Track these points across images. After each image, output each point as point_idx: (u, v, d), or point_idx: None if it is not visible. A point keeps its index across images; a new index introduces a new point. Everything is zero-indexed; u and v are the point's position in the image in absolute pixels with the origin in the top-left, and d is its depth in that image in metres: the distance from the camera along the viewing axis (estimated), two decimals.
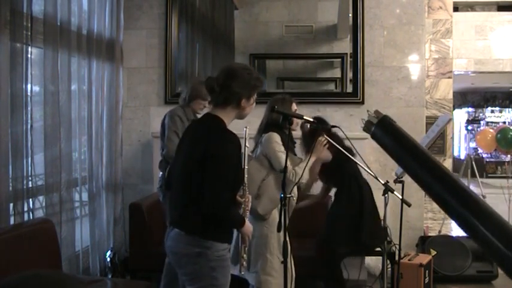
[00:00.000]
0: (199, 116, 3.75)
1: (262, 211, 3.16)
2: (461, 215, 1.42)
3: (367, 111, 1.69)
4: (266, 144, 3.23)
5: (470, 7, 10.01)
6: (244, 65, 2.68)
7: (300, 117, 2.89)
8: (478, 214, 1.38)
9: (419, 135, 4.56)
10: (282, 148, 3.16)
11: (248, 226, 2.50)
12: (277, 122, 3.18)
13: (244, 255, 2.62)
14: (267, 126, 3.31)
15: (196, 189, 2.29)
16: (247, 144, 2.71)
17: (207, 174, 2.25)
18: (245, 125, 2.72)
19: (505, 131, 6.65)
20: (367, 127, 1.66)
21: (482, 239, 1.38)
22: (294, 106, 3.35)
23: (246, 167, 2.66)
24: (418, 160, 1.55)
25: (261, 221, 3.19)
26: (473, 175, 6.35)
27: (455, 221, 1.52)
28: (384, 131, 1.64)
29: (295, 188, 3.19)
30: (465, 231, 1.46)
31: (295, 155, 3.42)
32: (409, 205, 3.10)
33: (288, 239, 2.61)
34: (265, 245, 3.19)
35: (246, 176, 2.66)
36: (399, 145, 1.61)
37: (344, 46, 5.16)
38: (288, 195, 2.66)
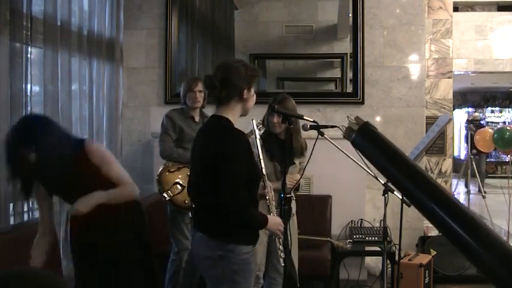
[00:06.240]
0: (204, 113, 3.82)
1: None
2: (447, 226, 1.37)
3: (347, 117, 1.66)
4: None
5: (470, 7, 10.01)
6: (237, 59, 2.87)
7: (300, 117, 2.88)
8: (467, 225, 1.34)
9: (419, 135, 4.56)
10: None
11: (273, 222, 2.44)
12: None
13: (280, 247, 2.65)
14: None
15: (213, 193, 2.26)
16: (257, 135, 2.78)
17: (220, 176, 2.23)
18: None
19: (502, 131, 6.62)
20: (348, 134, 1.62)
21: (473, 252, 1.34)
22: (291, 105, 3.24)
23: (261, 157, 2.72)
24: (400, 168, 1.51)
25: None
26: (473, 175, 6.34)
27: (442, 232, 1.48)
28: (365, 138, 1.60)
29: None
30: (451, 242, 1.41)
31: (293, 162, 3.22)
32: (408, 205, 3.07)
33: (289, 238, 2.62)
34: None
35: (263, 167, 2.72)
36: (381, 153, 1.57)
37: (344, 46, 5.16)
38: (288, 195, 2.66)
